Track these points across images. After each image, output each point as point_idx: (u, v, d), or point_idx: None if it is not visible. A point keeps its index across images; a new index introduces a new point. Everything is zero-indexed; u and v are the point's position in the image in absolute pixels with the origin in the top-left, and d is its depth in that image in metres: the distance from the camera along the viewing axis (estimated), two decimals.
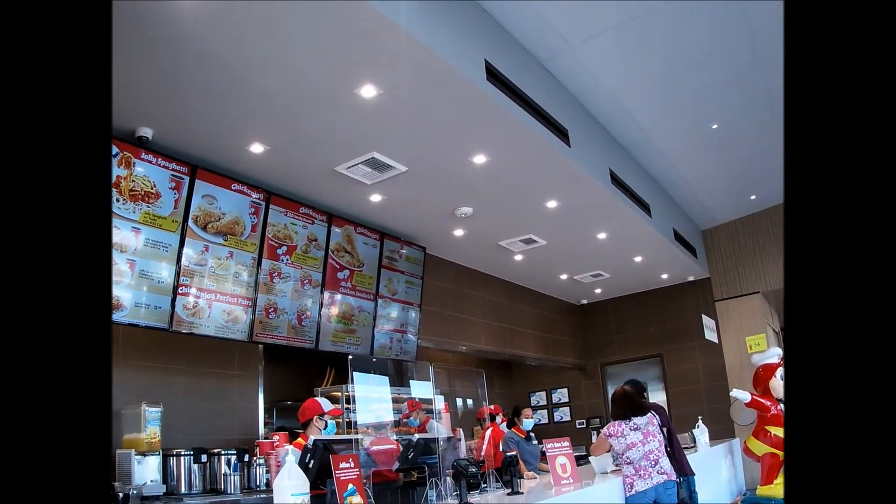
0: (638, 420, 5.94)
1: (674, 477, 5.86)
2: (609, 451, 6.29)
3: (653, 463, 5.76)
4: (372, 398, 7.25)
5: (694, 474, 6.86)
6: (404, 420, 8.13)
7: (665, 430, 6.71)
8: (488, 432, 8.23)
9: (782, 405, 9.30)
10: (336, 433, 7.82)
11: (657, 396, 13.56)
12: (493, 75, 6.08)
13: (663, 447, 5.94)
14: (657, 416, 6.15)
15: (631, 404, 6.06)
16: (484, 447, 7.97)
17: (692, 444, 9.57)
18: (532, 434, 8.49)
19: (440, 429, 7.13)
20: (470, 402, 11.55)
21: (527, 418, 8.31)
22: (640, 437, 5.86)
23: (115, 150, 5.96)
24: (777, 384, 9.42)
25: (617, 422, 6.02)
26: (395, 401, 8.13)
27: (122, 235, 6.04)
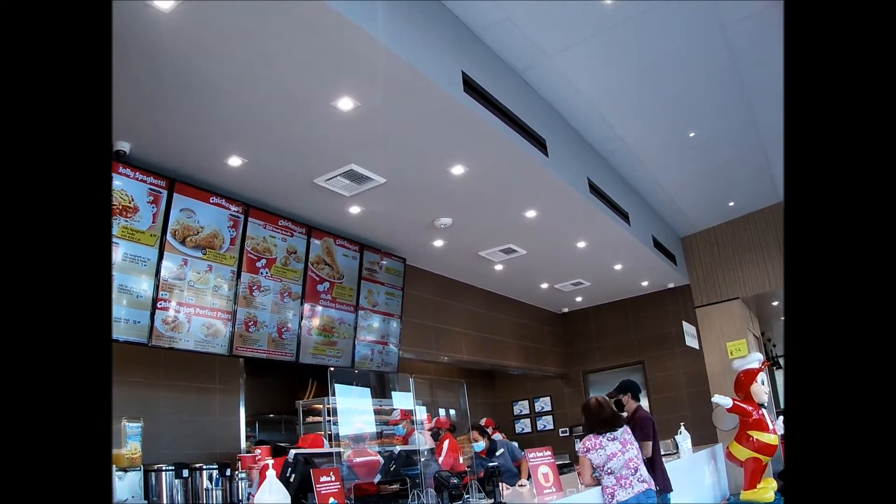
0: (614, 431, 5.90)
1: (653, 486, 5.80)
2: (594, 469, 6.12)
3: (633, 471, 5.69)
4: (354, 410, 7.22)
5: (672, 491, 6.81)
6: (392, 425, 8.08)
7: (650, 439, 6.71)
8: (445, 443, 8.09)
9: (763, 410, 9.36)
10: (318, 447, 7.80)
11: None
12: (471, 86, 6.10)
13: (640, 455, 5.90)
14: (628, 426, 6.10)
15: (605, 418, 5.96)
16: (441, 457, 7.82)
17: (675, 451, 9.60)
18: (498, 451, 8.40)
19: (420, 439, 7.11)
20: (453, 412, 11.53)
21: (474, 441, 8.19)
22: (618, 446, 5.78)
23: None
24: (758, 389, 9.48)
25: (592, 435, 5.93)
26: (377, 412, 8.11)
27: None
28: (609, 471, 5.74)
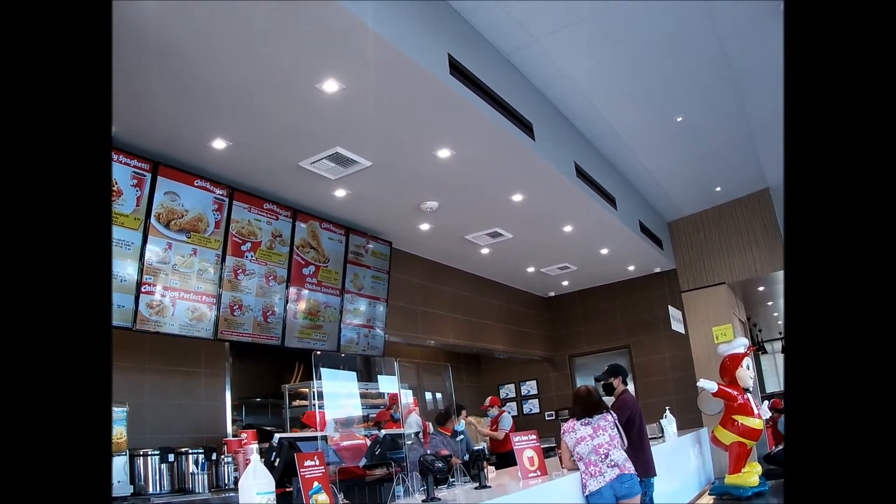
0: (590, 417, 5.92)
1: (629, 470, 5.73)
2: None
3: (602, 457, 5.67)
4: (340, 394, 7.22)
5: (656, 475, 6.83)
6: (391, 415, 8.12)
7: (634, 426, 6.72)
8: None
9: (748, 394, 9.41)
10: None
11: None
12: (457, 69, 6.07)
13: (615, 441, 5.82)
14: (612, 415, 6.09)
15: (588, 405, 6.01)
16: None
17: (660, 435, 9.63)
18: (461, 431, 8.58)
19: (416, 421, 7.12)
20: (439, 395, 11.55)
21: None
22: (589, 431, 5.79)
23: None
24: (743, 374, 9.52)
25: (572, 419, 5.99)
26: (363, 396, 8.11)
27: None
28: (579, 456, 5.76)
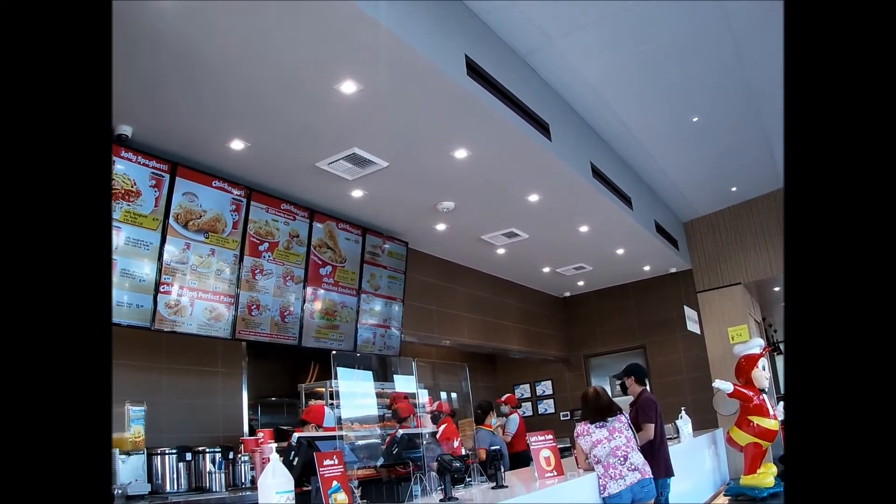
0: (605, 420, 5.89)
1: (648, 474, 5.70)
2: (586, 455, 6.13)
3: (622, 460, 5.64)
4: (356, 394, 7.24)
5: (673, 475, 6.80)
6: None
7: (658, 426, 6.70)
8: (442, 427, 8.14)
9: (764, 395, 9.37)
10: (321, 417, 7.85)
11: None
12: (474, 70, 6.08)
13: (632, 443, 5.79)
14: (625, 415, 6.05)
15: (600, 408, 5.96)
16: None
17: (675, 435, 9.61)
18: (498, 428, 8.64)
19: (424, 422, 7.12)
20: (454, 395, 11.55)
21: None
22: (605, 433, 5.76)
23: None
24: (759, 374, 9.47)
25: (584, 422, 5.96)
26: (378, 396, 8.12)
27: None
28: (596, 459, 5.73)
